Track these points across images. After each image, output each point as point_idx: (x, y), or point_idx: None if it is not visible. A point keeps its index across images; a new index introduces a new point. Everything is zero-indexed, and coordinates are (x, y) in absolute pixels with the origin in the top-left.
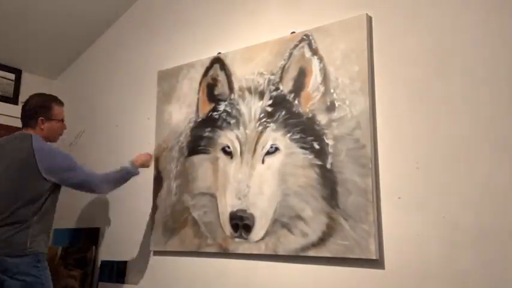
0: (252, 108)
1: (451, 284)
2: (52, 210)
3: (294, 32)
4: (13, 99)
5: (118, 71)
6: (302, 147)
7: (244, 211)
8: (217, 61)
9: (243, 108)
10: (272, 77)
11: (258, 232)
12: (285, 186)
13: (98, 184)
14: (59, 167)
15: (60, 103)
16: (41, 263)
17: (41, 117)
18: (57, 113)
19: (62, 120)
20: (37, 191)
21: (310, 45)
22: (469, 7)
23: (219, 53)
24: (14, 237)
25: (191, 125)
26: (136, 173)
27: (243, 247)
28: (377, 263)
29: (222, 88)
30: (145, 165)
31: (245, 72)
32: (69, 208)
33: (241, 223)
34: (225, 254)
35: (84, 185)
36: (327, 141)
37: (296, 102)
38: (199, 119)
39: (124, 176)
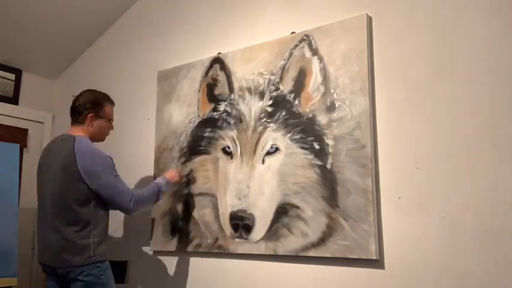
0: (252, 108)
1: (451, 284)
2: (105, 214)
3: (294, 32)
4: (13, 99)
5: (118, 71)
6: (302, 148)
7: (244, 211)
8: (217, 61)
9: (243, 108)
10: (272, 77)
11: (258, 232)
12: (285, 187)
13: (129, 206)
14: (95, 173)
15: (112, 102)
16: (102, 264)
17: (91, 114)
18: (108, 112)
19: (111, 120)
20: (82, 194)
21: (310, 45)
22: (469, 7)
23: (219, 53)
24: (73, 247)
25: (191, 125)
26: (166, 190)
27: (243, 247)
28: (377, 263)
29: (222, 88)
30: (174, 179)
31: (245, 72)
32: None
33: (241, 223)
34: (225, 254)
35: (114, 200)
36: (327, 141)
37: (296, 102)
38: (200, 119)
39: (156, 192)
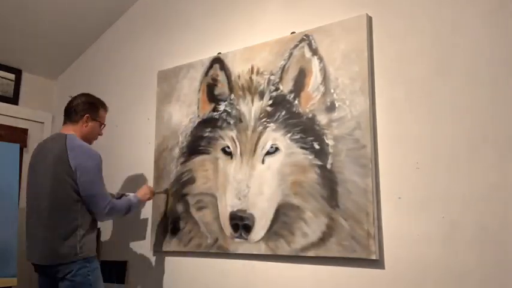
0: (252, 108)
1: (451, 284)
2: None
3: (294, 32)
4: (13, 99)
5: (118, 71)
6: (302, 148)
7: (244, 211)
8: (217, 61)
9: (243, 108)
10: (272, 77)
11: (258, 232)
12: (285, 187)
13: (103, 211)
14: (86, 168)
15: (106, 109)
16: (90, 264)
17: (87, 114)
18: (102, 116)
19: (102, 126)
20: (73, 191)
21: (310, 45)
22: (469, 7)
23: (219, 53)
24: (60, 243)
25: (191, 125)
26: (138, 206)
27: (243, 247)
28: (377, 263)
29: (222, 88)
30: (145, 197)
31: (245, 72)
32: None
33: (241, 223)
34: (225, 254)
35: (92, 200)
36: (327, 141)
37: (296, 102)
38: (200, 119)
39: (128, 208)
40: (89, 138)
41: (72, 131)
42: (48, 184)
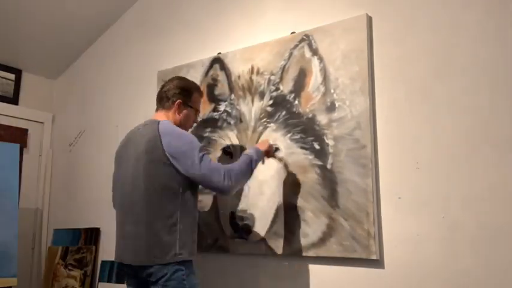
0: (252, 108)
1: (451, 284)
2: (193, 206)
3: (294, 32)
4: (13, 99)
5: (118, 71)
6: (302, 148)
7: (244, 211)
8: (217, 61)
9: (243, 108)
10: (272, 77)
11: (258, 232)
12: (285, 187)
13: (224, 184)
14: (183, 153)
15: (201, 93)
16: (186, 269)
17: (179, 100)
18: (196, 101)
19: (198, 112)
20: (170, 180)
21: (310, 45)
22: (469, 7)
23: (219, 53)
24: (157, 240)
25: None
26: (258, 159)
27: (243, 247)
28: (377, 263)
29: (222, 88)
30: (263, 147)
31: (245, 73)
32: (69, 208)
33: (241, 223)
34: (225, 254)
35: (206, 180)
36: (327, 141)
37: (296, 102)
38: (200, 119)
39: (247, 162)
40: (185, 126)
41: (164, 118)
42: (142, 174)
